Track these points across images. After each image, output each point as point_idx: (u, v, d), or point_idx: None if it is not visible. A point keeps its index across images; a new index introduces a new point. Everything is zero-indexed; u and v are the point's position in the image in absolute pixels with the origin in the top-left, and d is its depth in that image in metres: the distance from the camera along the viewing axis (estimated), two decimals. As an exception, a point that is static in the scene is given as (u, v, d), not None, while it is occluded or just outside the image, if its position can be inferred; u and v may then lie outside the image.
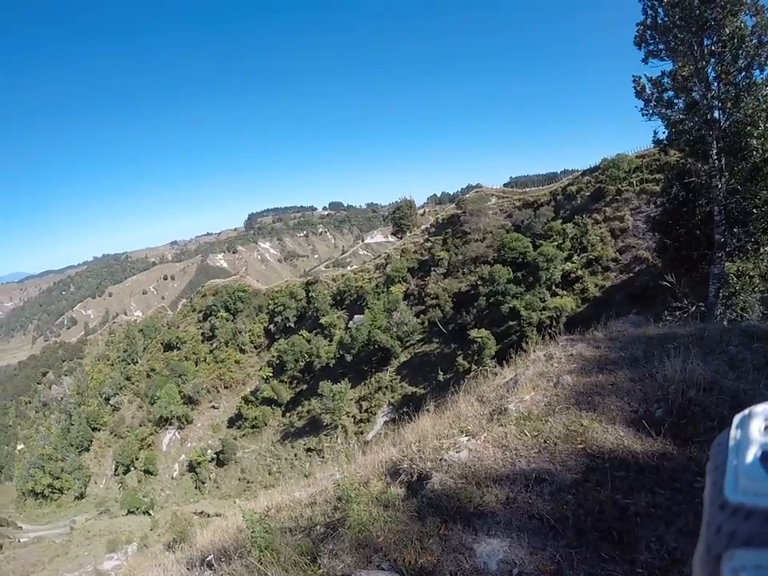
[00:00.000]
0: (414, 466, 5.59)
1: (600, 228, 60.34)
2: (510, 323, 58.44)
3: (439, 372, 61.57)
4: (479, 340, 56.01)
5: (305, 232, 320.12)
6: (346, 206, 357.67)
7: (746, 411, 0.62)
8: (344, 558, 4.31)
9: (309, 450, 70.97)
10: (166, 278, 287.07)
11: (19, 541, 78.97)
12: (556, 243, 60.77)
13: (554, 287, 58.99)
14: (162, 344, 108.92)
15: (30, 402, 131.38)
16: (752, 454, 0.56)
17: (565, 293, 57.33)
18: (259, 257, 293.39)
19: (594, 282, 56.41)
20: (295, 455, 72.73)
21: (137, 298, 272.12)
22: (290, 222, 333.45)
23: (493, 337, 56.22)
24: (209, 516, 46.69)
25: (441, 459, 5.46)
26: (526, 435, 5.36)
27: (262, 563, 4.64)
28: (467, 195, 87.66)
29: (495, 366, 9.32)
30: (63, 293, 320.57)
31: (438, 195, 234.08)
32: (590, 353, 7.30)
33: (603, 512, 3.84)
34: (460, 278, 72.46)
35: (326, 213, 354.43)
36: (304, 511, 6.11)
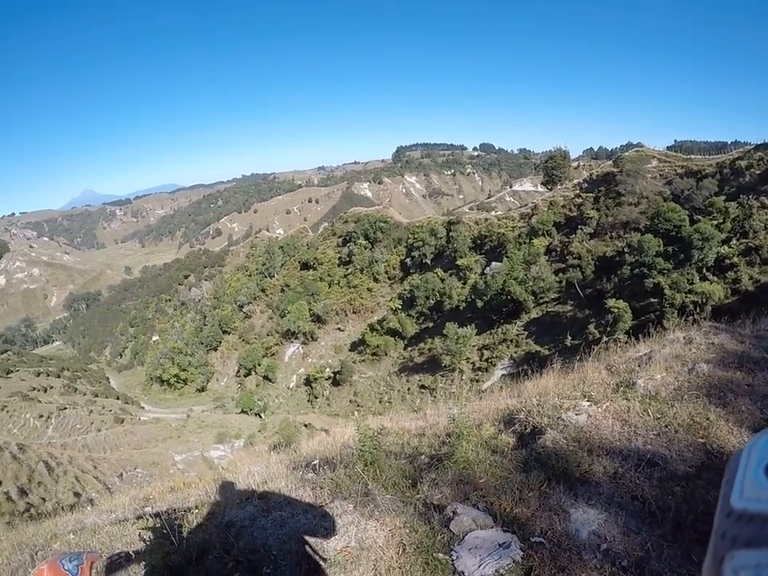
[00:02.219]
0: (530, 419, 5.63)
1: (767, 214, 54.57)
2: (652, 300, 54.44)
3: (567, 336, 58.79)
4: (615, 311, 52.79)
5: (452, 171, 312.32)
6: (497, 148, 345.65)
7: (763, 431, 0.64)
8: (443, 490, 4.47)
9: (422, 387, 69.98)
10: (310, 201, 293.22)
11: (140, 419, 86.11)
12: (715, 222, 55.44)
13: (704, 270, 53.81)
14: (299, 262, 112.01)
15: (170, 300, 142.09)
16: (758, 465, 0.58)
17: (715, 279, 52.02)
18: (404, 190, 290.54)
19: (749, 273, 50.74)
20: (408, 389, 72.47)
21: (280, 217, 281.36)
22: (438, 159, 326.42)
23: (630, 310, 52.75)
24: (315, 429, 48.02)
25: (558, 418, 5.48)
26: (649, 415, 5.21)
27: (364, 476, 4.82)
28: (626, 153, 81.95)
29: (627, 342, 8.71)
30: (211, 205, 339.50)
31: (595, 149, 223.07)
32: (733, 346, 6.81)
33: (707, 514, 3.67)
34: (607, 241, 68.37)
35: (475, 154, 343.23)
36: (411, 440, 6.23)
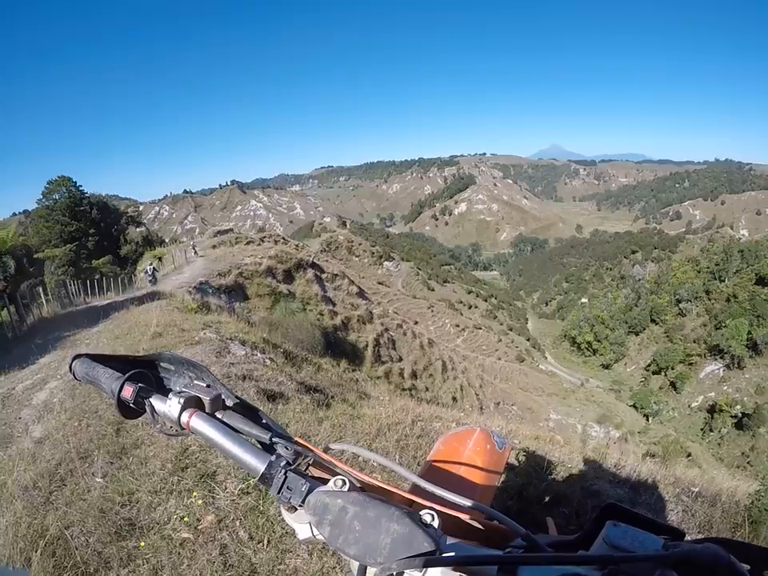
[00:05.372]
0: None
1: None
2: None
3: None
4: None
5: None
6: None
7: None
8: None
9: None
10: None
11: (538, 366, 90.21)
12: None
13: None
14: (756, 275, 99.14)
15: (610, 270, 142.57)
16: None
17: None
18: None
19: None
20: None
21: (748, 216, 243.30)
22: None
23: None
24: (696, 463, 40.41)
25: None
26: None
27: (737, 529, 4.52)
28: None
29: None
30: (677, 185, 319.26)
31: None
32: None
33: None
34: None
35: None
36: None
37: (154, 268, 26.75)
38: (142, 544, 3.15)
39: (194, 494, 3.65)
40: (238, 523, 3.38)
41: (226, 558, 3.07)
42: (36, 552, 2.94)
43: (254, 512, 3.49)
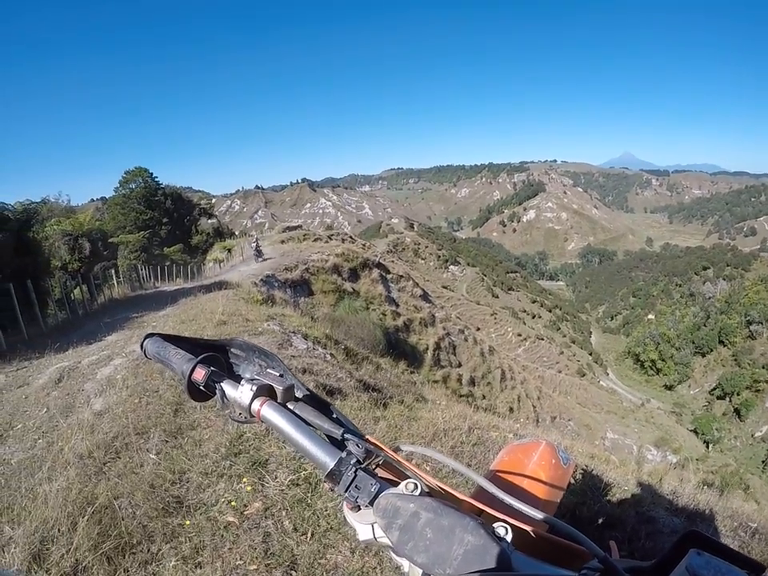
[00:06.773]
0: None
1: None
2: None
3: None
4: None
5: None
6: None
7: None
8: None
9: None
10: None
11: (599, 382, 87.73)
12: None
13: None
14: None
15: (680, 286, 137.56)
16: None
17: None
18: None
19: None
20: None
21: None
22: None
23: None
24: (754, 498, 37.45)
25: None
26: None
27: None
28: None
29: None
30: (752, 199, 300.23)
31: None
32: None
33: None
34: None
35: None
36: None
37: (258, 242, 27.63)
38: (188, 522, 3.20)
39: (244, 479, 3.70)
40: (284, 513, 3.39)
41: (268, 545, 3.07)
42: (83, 518, 3.02)
43: (302, 504, 3.50)
